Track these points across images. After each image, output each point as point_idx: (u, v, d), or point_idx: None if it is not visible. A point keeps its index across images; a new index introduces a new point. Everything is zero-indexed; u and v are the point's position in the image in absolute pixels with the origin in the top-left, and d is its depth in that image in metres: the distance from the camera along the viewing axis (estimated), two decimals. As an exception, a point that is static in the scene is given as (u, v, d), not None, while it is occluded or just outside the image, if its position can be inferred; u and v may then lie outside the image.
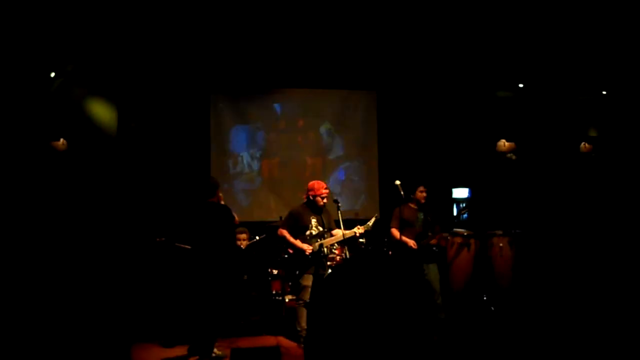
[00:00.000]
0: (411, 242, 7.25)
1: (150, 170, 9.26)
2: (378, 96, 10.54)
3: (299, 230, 6.99)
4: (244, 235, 7.97)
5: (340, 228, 6.93)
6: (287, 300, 7.58)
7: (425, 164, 10.02)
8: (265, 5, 7.79)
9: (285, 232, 7.01)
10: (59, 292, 7.66)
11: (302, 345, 6.61)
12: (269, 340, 7.09)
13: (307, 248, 6.81)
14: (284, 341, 7.00)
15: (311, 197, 7.00)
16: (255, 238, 7.98)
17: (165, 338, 6.90)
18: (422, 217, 7.45)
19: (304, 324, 6.68)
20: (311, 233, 6.93)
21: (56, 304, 7.47)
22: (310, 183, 7.10)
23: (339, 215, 6.85)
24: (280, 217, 8.52)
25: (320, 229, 6.94)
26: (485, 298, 7.73)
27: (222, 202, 6.65)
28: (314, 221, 6.97)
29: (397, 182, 7.07)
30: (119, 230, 8.75)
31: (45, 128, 8.49)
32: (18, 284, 7.34)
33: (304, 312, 6.71)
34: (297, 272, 6.90)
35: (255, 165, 10.05)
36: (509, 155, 9.62)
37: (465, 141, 10.13)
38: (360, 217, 8.79)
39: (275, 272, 7.85)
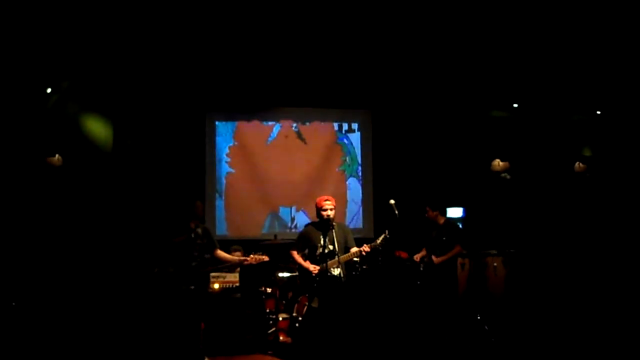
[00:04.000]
0: (417, 256, 7.65)
1: (145, 186, 9.24)
2: (373, 115, 10.59)
3: (311, 251, 6.90)
4: (238, 254, 7.94)
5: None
6: (280, 319, 7.55)
7: (420, 183, 10.03)
8: (261, 26, 7.85)
9: (294, 253, 6.96)
10: (52, 307, 7.64)
11: None
12: (263, 359, 7.05)
13: (314, 269, 6.75)
14: (277, 360, 6.97)
15: (317, 214, 6.93)
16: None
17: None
18: (435, 235, 7.54)
19: None
20: (321, 252, 6.78)
21: (50, 319, 7.45)
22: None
23: (334, 234, 6.77)
24: (275, 236, 8.51)
25: (331, 247, 6.70)
26: (479, 317, 7.71)
27: None
28: (325, 240, 6.76)
29: (392, 202, 7.04)
30: (113, 246, 8.73)
31: (41, 144, 8.50)
32: (11, 299, 7.33)
33: None
34: (307, 295, 6.86)
35: (250, 183, 10.05)
36: (503, 174, 9.65)
37: (460, 160, 10.16)
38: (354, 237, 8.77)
39: (269, 290, 7.82)
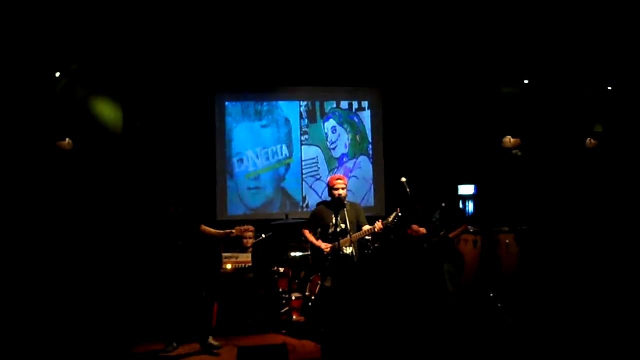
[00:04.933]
0: (422, 230, 7.47)
1: (156, 169, 9.25)
2: (383, 93, 10.55)
3: (323, 230, 6.88)
4: (250, 234, 7.95)
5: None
6: (293, 298, 7.57)
7: (431, 161, 10.01)
8: (269, 3, 7.79)
9: (306, 232, 6.94)
10: (63, 291, 7.70)
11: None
12: (276, 339, 7.08)
13: (325, 247, 6.73)
14: (290, 339, 6.99)
15: (329, 193, 6.92)
16: (261, 236, 7.95)
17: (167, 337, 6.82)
18: (438, 216, 7.51)
19: None
20: (333, 231, 6.74)
21: (61, 302, 7.51)
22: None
23: (346, 213, 6.75)
24: (287, 215, 8.52)
25: (343, 226, 6.66)
26: (492, 295, 7.71)
27: None
28: (337, 219, 6.72)
29: (403, 180, 6.98)
30: (124, 230, 8.76)
31: (51, 128, 8.51)
32: (23, 283, 7.39)
33: None
34: (320, 274, 6.86)
35: (260, 163, 10.04)
36: (514, 151, 9.58)
37: (471, 138, 10.12)
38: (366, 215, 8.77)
39: (281, 270, 7.83)
